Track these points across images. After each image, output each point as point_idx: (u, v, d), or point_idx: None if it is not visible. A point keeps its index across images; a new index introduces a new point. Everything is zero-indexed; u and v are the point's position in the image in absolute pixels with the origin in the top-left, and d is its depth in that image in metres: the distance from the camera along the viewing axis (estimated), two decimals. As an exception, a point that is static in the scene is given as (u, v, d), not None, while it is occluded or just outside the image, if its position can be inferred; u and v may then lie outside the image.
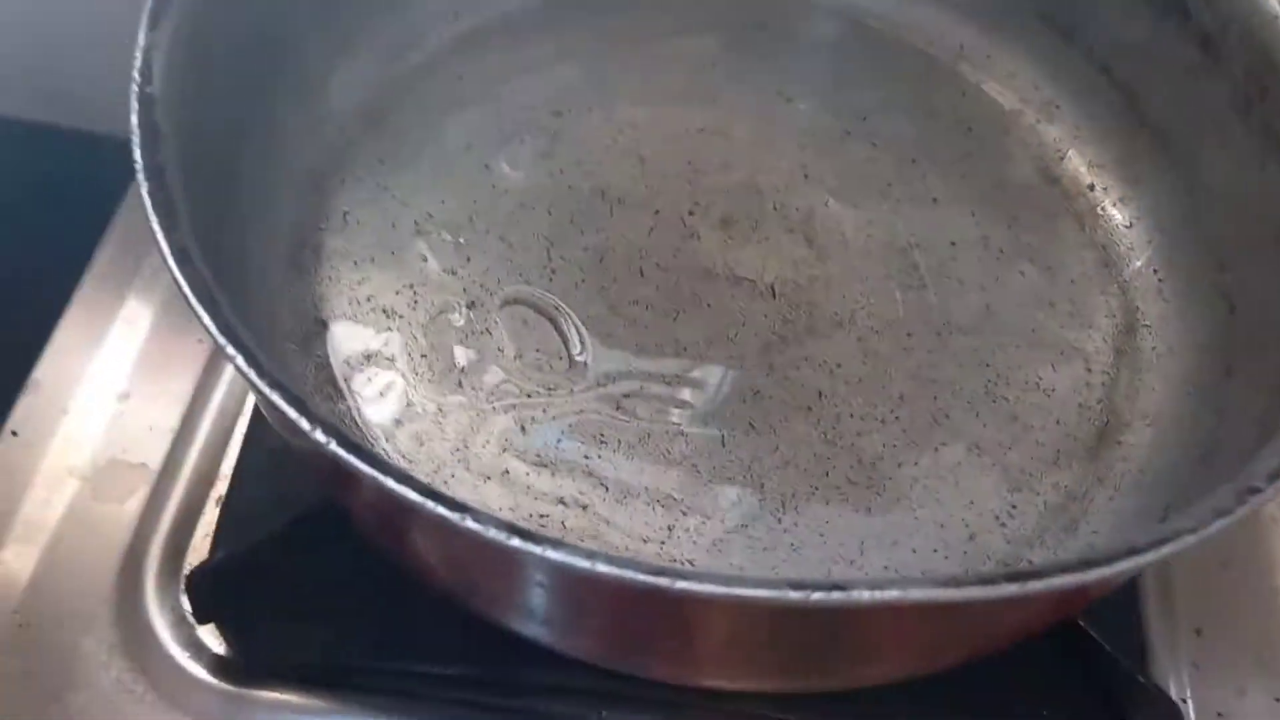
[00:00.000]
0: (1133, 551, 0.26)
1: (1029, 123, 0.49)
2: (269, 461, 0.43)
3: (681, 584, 0.24)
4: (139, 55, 0.33)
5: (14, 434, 0.44)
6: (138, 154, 0.32)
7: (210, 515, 0.43)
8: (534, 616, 0.32)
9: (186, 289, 0.28)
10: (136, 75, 0.33)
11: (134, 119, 0.32)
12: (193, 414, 0.45)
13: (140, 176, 0.31)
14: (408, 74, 0.49)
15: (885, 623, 0.26)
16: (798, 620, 0.26)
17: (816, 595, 0.24)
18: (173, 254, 0.29)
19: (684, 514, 0.39)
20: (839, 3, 0.52)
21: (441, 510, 0.25)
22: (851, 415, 0.42)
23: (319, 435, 0.26)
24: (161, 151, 0.32)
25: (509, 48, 0.50)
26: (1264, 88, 0.40)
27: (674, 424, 0.41)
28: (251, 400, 0.45)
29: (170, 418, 0.45)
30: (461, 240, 0.45)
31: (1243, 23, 0.40)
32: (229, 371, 0.46)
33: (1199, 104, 0.43)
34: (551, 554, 0.25)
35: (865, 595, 0.25)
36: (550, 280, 0.44)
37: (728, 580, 0.25)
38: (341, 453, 0.26)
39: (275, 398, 0.26)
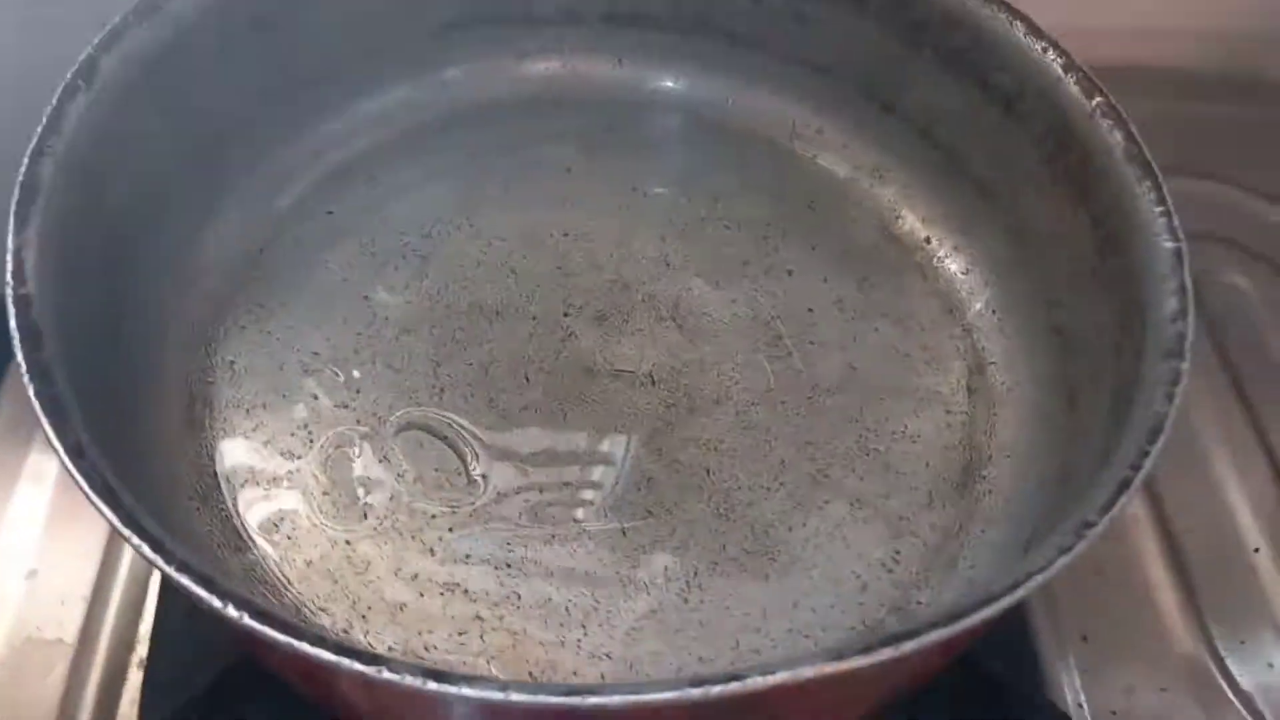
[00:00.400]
0: (990, 599, 0.29)
1: (864, 188, 0.53)
2: (186, 617, 0.44)
3: (592, 700, 0.26)
4: (10, 258, 0.35)
5: (-78, 629, 0.44)
6: (20, 357, 0.33)
7: (134, 680, 0.43)
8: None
9: (86, 487, 0.30)
10: (10, 279, 0.34)
11: (13, 323, 0.33)
12: (103, 580, 0.46)
13: (26, 379, 0.32)
14: (278, 217, 0.50)
15: (788, 696, 0.29)
16: (707, 709, 0.28)
17: (715, 689, 0.27)
18: (67, 453, 0.31)
19: (595, 608, 0.41)
20: (675, 101, 0.55)
21: (357, 666, 0.27)
22: (739, 487, 0.44)
23: (231, 611, 0.28)
24: (44, 349, 0.33)
25: (374, 178, 0.52)
26: (1061, 141, 0.44)
27: (577, 522, 0.43)
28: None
29: (81, 587, 0.45)
30: (350, 373, 0.46)
31: (1035, 85, 0.45)
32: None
33: (1011, 158, 0.47)
34: (468, 692, 0.27)
35: (759, 680, 0.27)
36: (440, 399, 0.46)
37: (634, 688, 0.27)
38: (256, 626, 0.27)
39: (186, 583, 0.28)
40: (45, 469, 0.48)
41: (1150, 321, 0.37)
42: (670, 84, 0.56)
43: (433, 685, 0.27)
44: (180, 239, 0.47)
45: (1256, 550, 0.49)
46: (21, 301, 0.34)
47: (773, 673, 0.27)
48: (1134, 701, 0.44)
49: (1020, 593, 0.29)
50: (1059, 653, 0.45)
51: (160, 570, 0.29)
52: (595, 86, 0.56)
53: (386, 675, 0.27)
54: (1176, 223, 0.38)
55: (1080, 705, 0.44)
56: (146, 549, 0.29)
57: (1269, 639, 0.46)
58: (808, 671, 0.27)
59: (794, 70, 0.54)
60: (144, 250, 0.45)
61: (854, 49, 0.51)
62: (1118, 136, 0.41)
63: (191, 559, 0.29)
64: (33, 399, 0.32)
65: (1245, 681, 0.45)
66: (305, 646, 0.27)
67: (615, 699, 0.27)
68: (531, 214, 0.52)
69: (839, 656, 0.27)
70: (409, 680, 0.27)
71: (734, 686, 0.27)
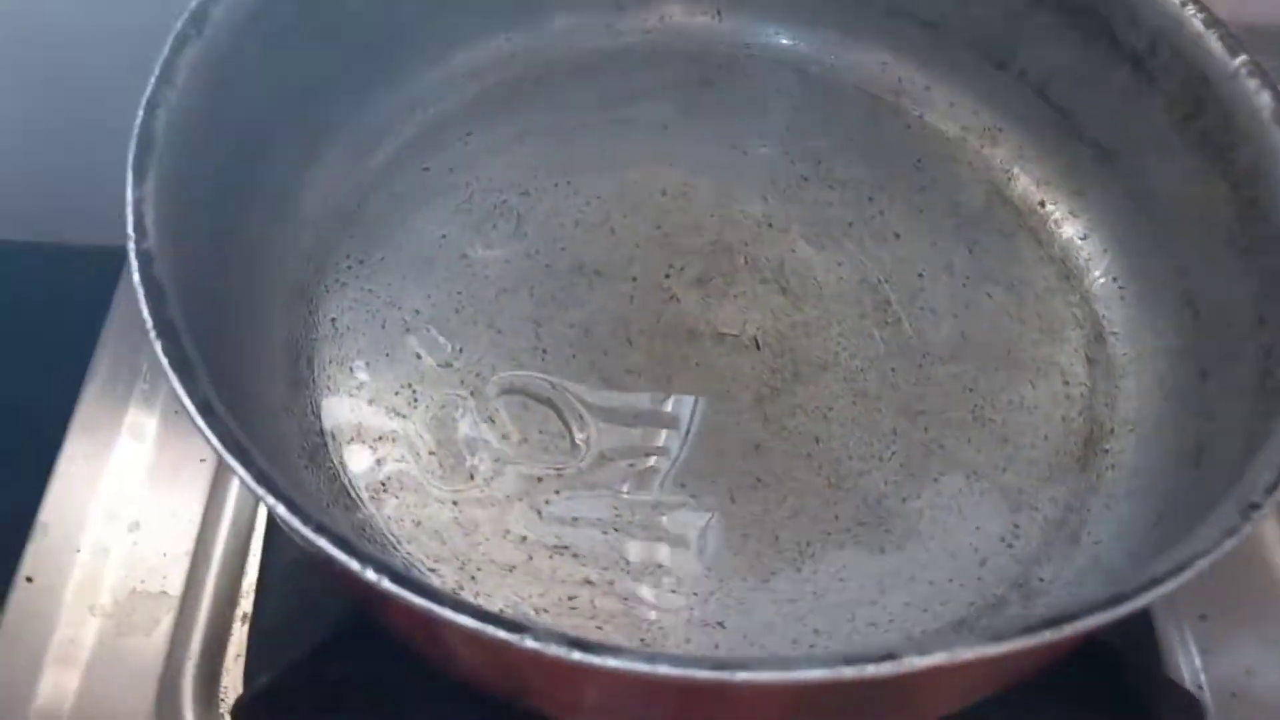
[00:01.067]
0: (1154, 582, 0.28)
1: (974, 148, 0.52)
2: (290, 572, 0.44)
3: (742, 675, 0.26)
4: (130, 211, 0.34)
5: (29, 580, 0.44)
6: (146, 313, 0.32)
7: (239, 634, 0.43)
8: (591, 710, 0.33)
9: (218, 444, 0.29)
10: (131, 232, 0.34)
11: (136, 277, 0.33)
12: (206, 534, 0.45)
13: (152, 335, 0.32)
14: (375, 172, 0.50)
15: (938, 675, 0.28)
16: (856, 687, 0.27)
17: (870, 668, 0.26)
18: (198, 409, 0.30)
19: (705, 575, 0.40)
20: (779, 55, 0.53)
21: (502, 634, 0.26)
22: (850, 457, 0.43)
23: (370, 575, 0.27)
24: (169, 305, 0.33)
25: (469, 134, 0.51)
26: (1198, 101, 0.42)
27: (683, 488, 0.42)
28: (264, 513, 0.46)
29: (184, 541, 0.45)
30: (451, 332, 0.45)
31: (1170, 42, 0.43)
32: (236, 486, 0.47)
33: (1136, 121, 0.45)
34: (614, 663, 0.26)
35: (915, 661, 0.26)
36: (543, 361, 0.45)
37: (784, 664, 0.26)
38: (398, 590, 0.27)
39: (324, 544, 0.27)
40: (144, 424, 0.48)
41: (1304, 293, 0.35)
42: (770, 38, 0.54)
43: (578, 655, 0.26)
44: (281, 192, 0.46)
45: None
46: (144, 256, 0.33)
47: (930, 652, 0.26)
48: (1255, 683, 0.43)
49: (1187, 574, 0.28)
50: (1177, 632, 0.44)
51: (295, 530, 0.28)
52: (693, 40, 0.55)
53: (530, 644, 0.26)
54: (1331, 188, 0.36)
55: (1200, 686, 0.42)
56: (282, 508, 0.28)
57: (1395, 623, 0.45)
58: (966, 653, 0.26)
59: (901, 24, 0.52)
60: (247, 203, 0.44)
61: (967, 3, 0.49)
62: (1265, 98, 0.39)
63: (326, 520, 0.28)
64: (160, 356, 0.31)
65: (1371, 666, 0.44)
66: (445, 611, 0.27)
67: (765, 675, 0.26)
68: (629, 172, 0.51)
69: (998, 638, 0.26)
70: (554, 650, 0.26)
71: (888, 666, 0.26)
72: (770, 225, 0.50)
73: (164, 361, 0.31)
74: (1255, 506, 0.29)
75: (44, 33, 0.67)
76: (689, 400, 0.44)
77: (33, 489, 0.47)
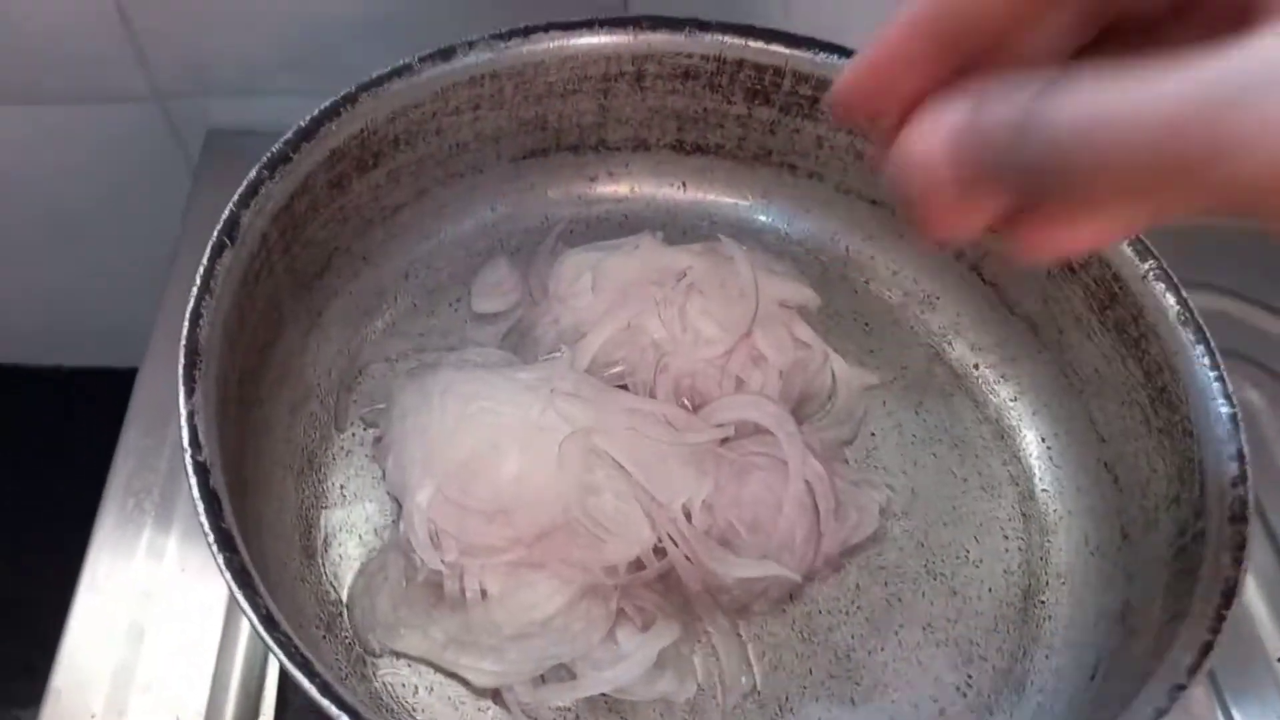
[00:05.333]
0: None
1: (915, 313, 0.57)
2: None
3: None
4: (184, 424, 0.37)
5: (43, 745, 0.46)
6: (205, 522, 0.35)
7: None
8: None
9: (283, 658, 0.32)
10: (187, 445, 0.37)
11: (194, 490, 0.36)
12: (217, 696, 0.48)
13: (213, 547, 0.35)
14: (373, 339, 0.53)
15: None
16: None
17: None
18: (261, 623, 0.33)
19: (697, 731, 0.44)
20: (737, 223, 0.59)
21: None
22: (820, 611, 0.48)
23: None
24: (224, 515, 0.36)
25: (460, 299, 0.55)
26: (1113, 295, 0.48)
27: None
28: (274, 676, 0.48)
29: (197, 701, 0.47)
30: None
31: (1087, 243, 0.49)
32: (244, 644, 0.49)
33: (1061, 302, 0.51)
34: None
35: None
36: (536, 523, 0.49)
37: None
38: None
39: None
40: (153, 579, 0.50)
41: (1210, 481, 0.41)
42: (728, 209, 0.60)
43: None
44: (289, 364, 0.50)
45: (1279, 659, 0.53)
46: (199, 469, 0.36)
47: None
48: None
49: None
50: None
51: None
52: (660, 209, 0.60)
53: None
54: (1230, 388, 0.43)
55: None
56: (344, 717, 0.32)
57: (1291, 745, 0.51)
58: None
59: (849, 200, 0.58)
60: (261, 381, 0.47)
61: (911, 189, 0.55)
62: (1170, 300, 0.46)
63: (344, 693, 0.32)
64: (221, 568, 0.34)
65: (1275, 788, 0.49)
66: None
67: None
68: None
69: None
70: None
71: None
72: (737, 387, 0.54)
73: (226, 574, 0.34)
74: (1181, 688, 0.35)
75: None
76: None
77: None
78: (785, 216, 0.59)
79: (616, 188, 0.60)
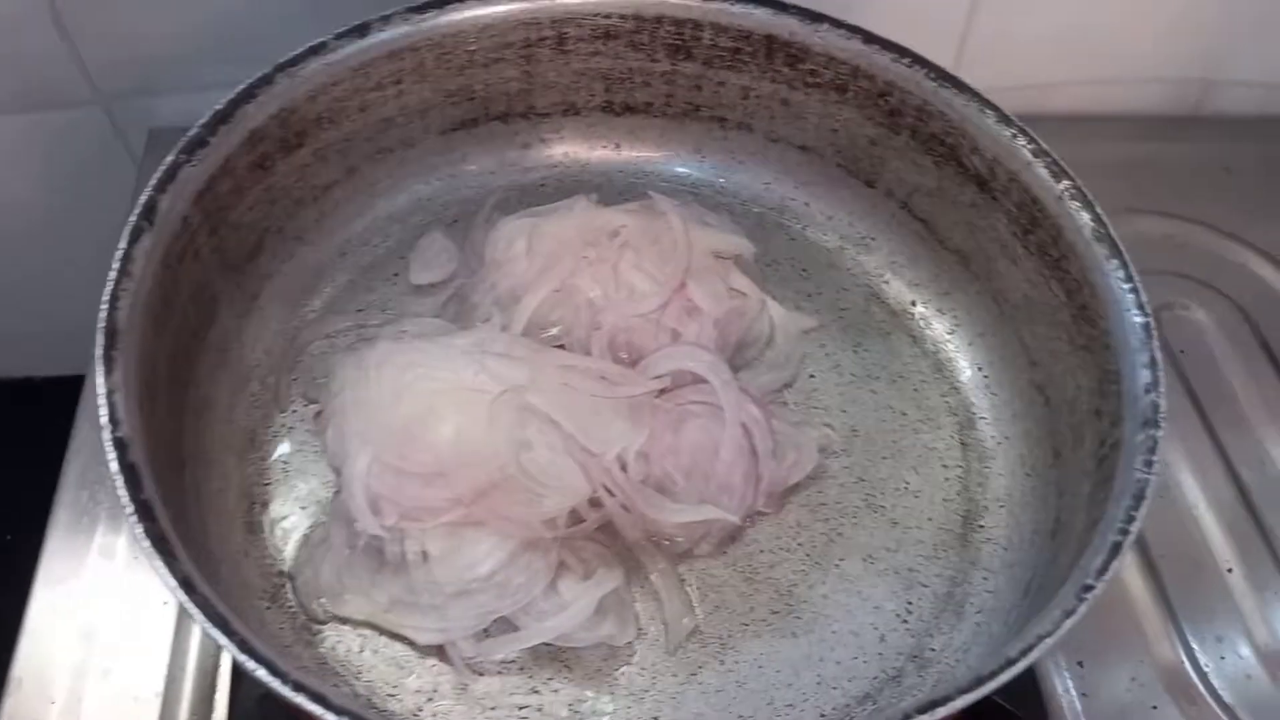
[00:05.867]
0: (1010, 662, 0.33)
1: (851, 256, 0.58)
2: (259, 707, 0.47)
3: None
4: (103, 402, 0.38)
5: (8, 734, 0.47)
6: (124, 495, 0.36)
7: (215, 770, 0.46)
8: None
9: (204, 621, 0.33)
10: (106, 422, 0.37)
11: (113, 464, 0.37)
12: (174, 675, 0.49)
13: (133, 519, 0.36)
14: (313, 317, 0.54)
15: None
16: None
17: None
18: (181, 587, 0.34)
19: (640, 676, 0.45)
20: (673, 180, 0.59)
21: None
22: (762, 550, 0.48)
23: (348, 721, 0.32)
24: (144, 488, 0.37)
25: (398, 274, 0.56)
26: (1033, 219, 0.48)
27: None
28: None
29: (154, 682, 0.48)
30: (394, 467, 0.50)
31: (1005, 167, 0.49)
32: (198, 630, 0.50)
33: (986, 232, 0.51)
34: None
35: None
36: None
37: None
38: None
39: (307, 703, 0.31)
40: (108, 573, 0.51)
41: (1126, 391, 0.42)
42: (663, 166, 0.60)
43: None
44: (226, 346, 0.50)
45: (1229, 570, 0.54)
46: (119, 445, 0.37)
47: (828, 745, 0.31)
48: (1129, 719, 0.49)
49: (1034, 654, 0.34)
50: (1059, 680, 0.49)
51: (279, 693, 0.32)
52: (595, 171, 0.60)
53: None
54: (1144, 298, 0.43)
55: (1081, 727, 0.48)
56: (263, 672, 0.33)
57: (1246, 652, 0.51)
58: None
59: (780, 149, 0.58)
60: (197, 363, 0.48)
61: (835, 131, 0.56)
62: (1085, 218, 0.46)
63: (308, 681, 0.32)
64: (140, 538, 0.35)
65: (1227, 694, 0.50)
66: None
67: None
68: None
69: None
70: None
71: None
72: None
73: (144, 543, 0.35)
74: (1089, 589, 0.35)
75: None
76: (614, 511, 0.49)
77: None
78: (718, 170, 0.60)
79: (550, 153, 0.60)
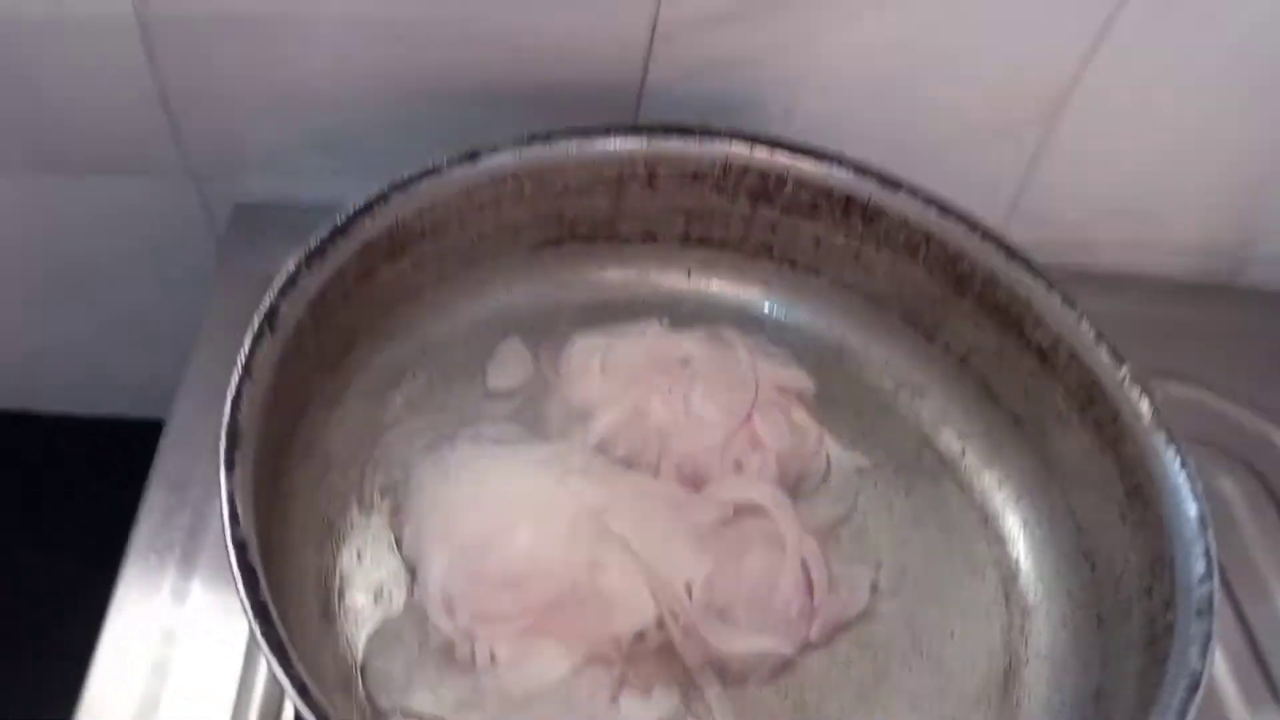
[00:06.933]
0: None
1: (905, 402, 0.60)
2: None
3: None
4: (225, 503, 0.40)
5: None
6: (244, 597, 0.38)
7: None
8: None
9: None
10: (227, 523, 0.40)
11: (234, 567, 0.39)
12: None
13: (251, 618, 0.38)
14: (393, 413, 0.56)
15: None
16: None
17: None
18: (296, 691, 0.36)
19: (693, 800, 0.46)
20: (736, 311, 0.62)
21: None
22: (812, 684, 0.50)
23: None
24: (260, 589, 0.39)
25: (477, 376, 0.58)
26: (1091, 397, 0.51)
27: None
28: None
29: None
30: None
31: (1068, 345, 0.52)
32: (262, 684, 0.51)
33: (1043, 399, 0.54)
34: None
35: None
36: (544, 595, 0.51)
37: None
38: None
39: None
40: (176, 622, 0.53)
41: (1180, 577, 0.44)
42: (732, 297, 0.63)
43: None
44: (313, 437, 0.53)
45: (1247, 739, 0.56)
46: (239, 546, 0.39)
47: None
48: None
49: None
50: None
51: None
52: (664, 295, 0.63)
53: None
54: (1200, 488, 0.46)
55: None
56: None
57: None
58: None
59: (846, 294, 0.61)
60: (288, 452, 0.50)
61: (903, 286, 0.59)
62: (1145, 405, 0.49)
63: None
64: (259, 639, 0.37)
65: None
66: None
67: None
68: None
69: None
70: None
71: None
72: (736, 467, 0.57)
73: (261, 644, 0.37)
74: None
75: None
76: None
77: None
78: (784, 307, 0.63)
79: (626, 274, 0.63)
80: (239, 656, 0.52)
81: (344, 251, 0.50)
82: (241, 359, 0.44)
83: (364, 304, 0.54)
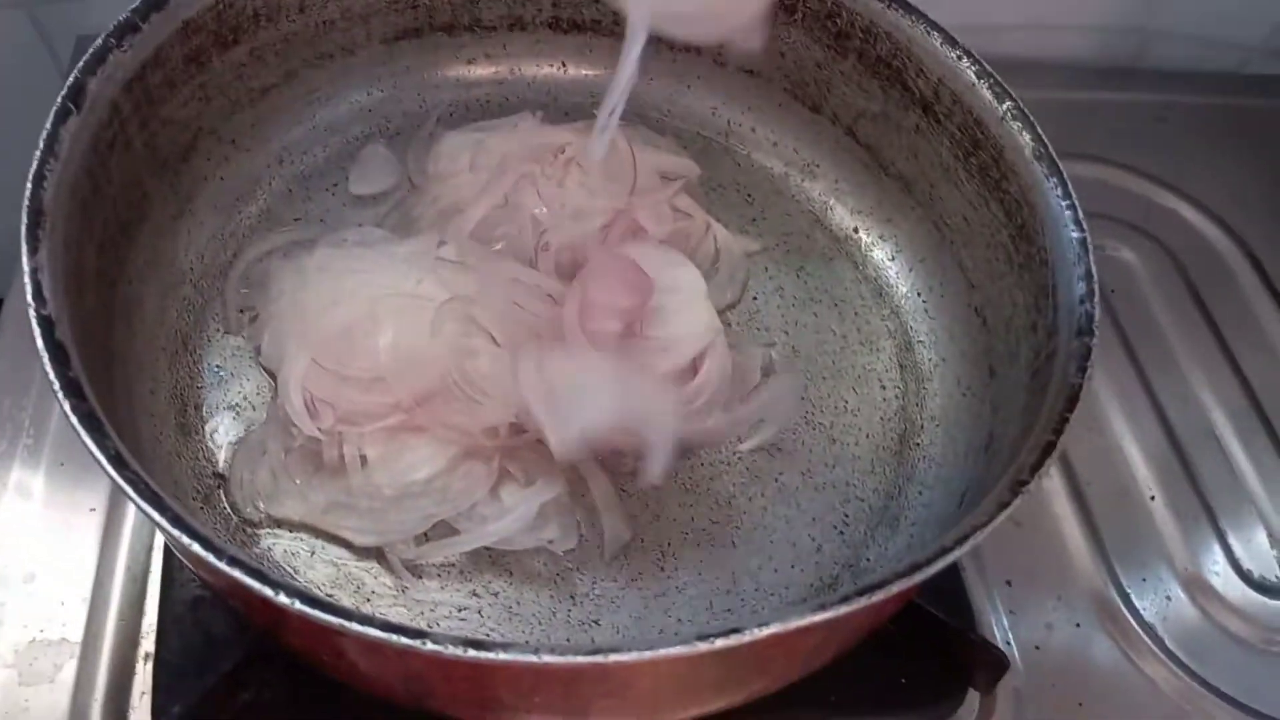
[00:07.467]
0: (944, 551, 0.34)
1: (796, 182, 0.58)
2: (190, 609, 0.46)
3: (614, 657, 0.30)
4: (28, 280, 0.37)
5: (-75, 639, 0.45)
6: (52, 374, 0.35)
7: (143, 674, 0.45)
8: (488, 706, 0.37)
9: (133, 494, 0.32)
10: (31, 300, 0.36)
11: (39, 342, 0.35)
12: (102, 580, 0.47)
13: (60, 395, 0.34)
14: (248, 224, 0.53)
15: (777, 644, 0.33)
16: (711, 660, 0.32)
17: (719, 642, 0.31)
18: (110, 463, 0.33)
19: (580, 580, 0.45)
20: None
21: (405, 640, 0.31)
22: (702, 464, 0.49)
23: (283, 600, 0.31)
24: (71, 366, 0.35)
25: (337, 185, 0.55)
26: (975, 141, 0.49)
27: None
28: (159, 555, 0.48)
29: (81, 588, 0.47)
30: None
31: (950, 89, 0.49)
32: (129, 532, 0.49)
33: (929, 156, 0.52)
34: (504, 657, 0.30)
35: (756, 632, 0.31)
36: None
37: (649, 644, 0.31)
38: (310, 611, 0.31)
39: (246, 580, 0.31)
40: (30, 481, 0.50)
41: (1061, 303, 0.42)
42: (609, 85, 0.59)
43: (473, 653, 0.30)
44: (159, 247, 0.49)
45: (1152, 498, 0.55)
46: (44, 322, 0.36)
47: (766, 625, 0.31)
48: (1053, 636, 0.50)
49: (969, 544, 0.34)
50: (987, 597, 0.51)
51: (209, 565, 0.32)
52: (539, 89, 0.60)
53: (430, 647, 0.30)
54: (1081, 215, 0.44)
55: (1009, 642, 0.49)
56: (197, 547, 0.32)
57: (1166, 575, 0.53)
58: (797, 621, 0.32)
59: (726, 73, 0.58)
60: (128, 260, 0.47)
61: (782, 55, 0.55)
62: (1026, 137, 0.47)
63: (241, 554, 0.32)
64: (69, 414, 0.34)
65: (1148, 614, 0.51)
66: (355, 626, 0.31)
67: (632, 656, 0.31)
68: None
69: (822, 607, 0.32)
70: (452, 650, 0.30)
71: (734, 639, 0.31)
72: (620, 258, 0.54)
73: (73, 419, 0.34)
74: (1023, 484, 0.36)
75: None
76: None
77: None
78: (666, 93, 0.59)
79: (495, 69, 0.59)
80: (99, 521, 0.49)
81: (161, 29, 0.45)
82: (44, 135, 0.40)
83: (199, 98, 0.49)
